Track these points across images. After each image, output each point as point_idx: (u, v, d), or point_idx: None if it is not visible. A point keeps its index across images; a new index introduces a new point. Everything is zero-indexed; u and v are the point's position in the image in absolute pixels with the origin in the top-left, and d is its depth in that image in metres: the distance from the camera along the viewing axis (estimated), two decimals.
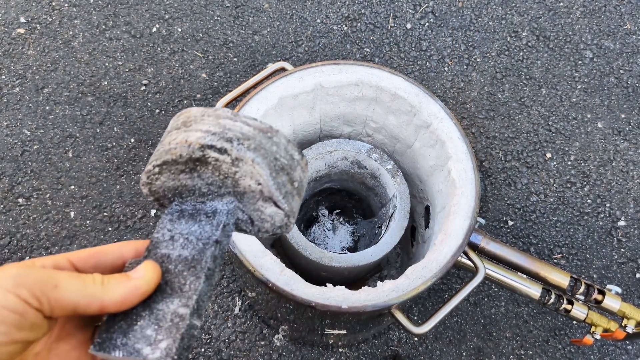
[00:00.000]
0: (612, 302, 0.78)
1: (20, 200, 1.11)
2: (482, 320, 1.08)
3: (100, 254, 0.28)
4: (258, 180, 0.29)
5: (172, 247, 0.29)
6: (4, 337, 0.22)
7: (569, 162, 1.23)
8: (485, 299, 1.09)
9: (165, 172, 0.31)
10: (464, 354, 1.05)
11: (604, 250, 1.15)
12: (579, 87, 1.31)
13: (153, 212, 1.12)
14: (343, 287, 0.66)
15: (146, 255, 0.29)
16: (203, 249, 0.28)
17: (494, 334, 1.07)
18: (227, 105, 0.81)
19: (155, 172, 0.31)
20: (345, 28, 1.35)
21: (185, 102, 1.23)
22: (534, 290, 0.81)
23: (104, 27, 1.31)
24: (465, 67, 1.32)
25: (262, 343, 1.03)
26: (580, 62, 1.34)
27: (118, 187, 1.14)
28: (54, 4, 1.33)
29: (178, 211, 0.31)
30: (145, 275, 0.26)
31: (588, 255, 1.14)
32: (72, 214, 1.11)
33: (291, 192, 0.31)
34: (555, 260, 1.14)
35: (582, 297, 0.79)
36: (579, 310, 0.80)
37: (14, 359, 0.24)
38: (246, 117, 0.31)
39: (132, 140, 1.19)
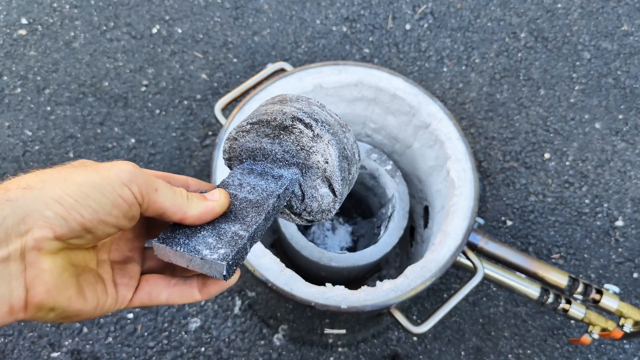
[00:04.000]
0: (609, 301, 0.79)
1: None
2: (480, 320, 1.08)
3: (171, 178, 0.33)
4: (327, 159, 0.35)
5: (240, 191, 0.35)
6: (114, 220, 0.27)
7: (567, 163, 1.23)
8: (484, 299, 1.10)
9: (253, 131, 0.37)
10: (462, 353, 1.05)
11: (601, 250, 1.15)
12: (577, 87, 1.31)
13: None
14: (342, 287, 0.67)
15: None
16: (267, 197, 0.34)
17: (493, 333, 1.07)
18: (226, 106, 0.81)
19: (246, 129, 0.36)
20: (345, 29, 1.35)
21: (185, 102, 1.24)
22: (533, 290, 0.81)
23: (104, 28, 1.31)
24: (464, 67, 1.32)
25: (262, 342, 1.03)
26: (578, 63, 1.34)
27: None
28: (55, 5, 1.33)
29: (249, 169, 0.38)
30: (220, 199, 0.32)
31: (586, 255, 1.15)
32: None
33: (345, 180, 0.37)
34: (553, 260, 1.14)
35: (580, 297, 0.80)
36: (577, 310, 0.81)
37: (103, 239, 0.28)
38: (330, 110, 0.38)
39: (133, 140, 1.19)
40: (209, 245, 0.30)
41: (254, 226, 0.32)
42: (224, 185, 0.35)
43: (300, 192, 0.37)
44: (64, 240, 0.25)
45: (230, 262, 0.30)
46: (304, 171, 0.37)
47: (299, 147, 0.36)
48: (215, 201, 0.31)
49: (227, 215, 0.33)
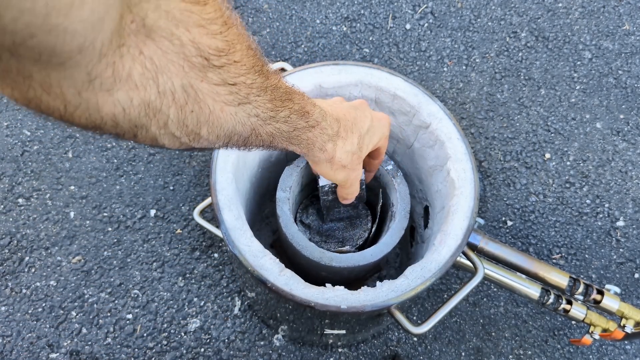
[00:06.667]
0: (610, 302, 0.78)
1: (20, 200, 1.11)
2: (481, 320, 1.08)
3: None
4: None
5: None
6: None
7: (568, 163, 1.23)
8: (484, 299, 1.10)
9: None
10: (463, 354, 1.05)
11: (602, 250, 1.15)
12: (577, 87, 1.31)
13: (152, 212, 1.12)
14: (342, 287, 0.67)
15: None
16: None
17: (493, 334, 1.07)
18: None
19: None
20: (345, 28, 1.35)
21: None
22: (533, 291, 0.81)
23: None
24: (464, 67, 1.32)
25: (262, 343, 1.03)
26: (579, 62, 1.34)
27: (118, 187, 1.14)
28: None
29: None
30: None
31: (587, 256, 1.14)
32: (72, 214, 1.11)
33: None
34: (554, 261, 1.14)
35: (581, 297, 0.80)
36: (577, 310, 0.80)
37: None
38: None
39: (132, 140, 1.19)
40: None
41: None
42: None
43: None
44: None
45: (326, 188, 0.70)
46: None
47: None
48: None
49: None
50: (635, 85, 1.32)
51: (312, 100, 0.44)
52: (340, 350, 1.04)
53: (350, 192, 0.62)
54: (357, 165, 0.54)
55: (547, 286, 0.81)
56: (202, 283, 1.07)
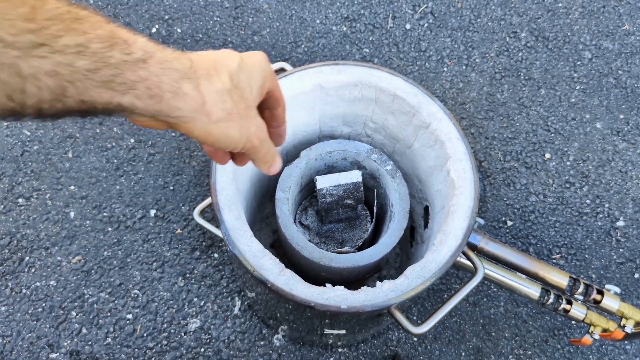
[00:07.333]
0: (610, 302, 0.78)
1: (20, 200, 1.11)
2: (481, 320, 1.08)
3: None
4: None
5: None
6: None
7: (568, 163, 1.23)
8: (485, 299, 1.10)
9: None
10: (463, 354, 1.05)
11: (602, 250, 1.15)
12: (577, 87, 1.31)
13: (152, 212, 1.12)
14: (342, 287, 0.67)
15: None
16: None
17: (493, 334, 1.07)
18: None
19: None
20: (345, 28, 1.35)
21: None
22: (533, 291, 0.81)
23: None
24: (464, 67, 1.32)
25: (262, 343, 1.03)
26: (579, 62, 1.34)
27: (118, 187, 1.14)
28: None
29: None
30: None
31: (587, 256, 1.14)
32: (72, 214, 1.11)
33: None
34: (554, 261, 1.14)
35: (581, 297, 0.80)
36: (577, 310, 0.80)
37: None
38: None
39: (132, 140, 1.19)
40: None
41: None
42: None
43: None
44: None
45: None
46: None
47: None
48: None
49: None
50: (635, 85, 1.32)
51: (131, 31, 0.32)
52: (340, 350, 1.04)
53: (264, 155, 0.43)
54: (247, 111, 0.40)
55: (547, 286, 0.81)
56: (202, 283, 1.07)
